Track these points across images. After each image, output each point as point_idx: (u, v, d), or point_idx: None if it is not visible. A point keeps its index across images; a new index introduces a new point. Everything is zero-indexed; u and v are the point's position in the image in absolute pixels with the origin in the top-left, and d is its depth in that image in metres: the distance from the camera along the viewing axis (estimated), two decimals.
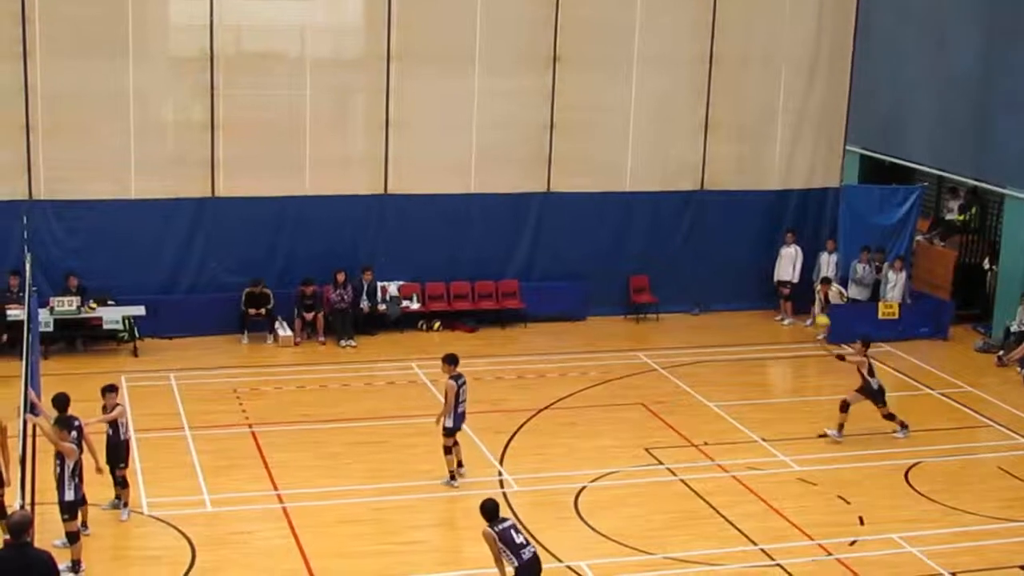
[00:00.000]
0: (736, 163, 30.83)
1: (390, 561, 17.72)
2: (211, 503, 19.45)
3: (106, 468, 18.16)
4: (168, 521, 18.59)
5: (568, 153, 29.48)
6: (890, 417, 22.89)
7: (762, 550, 18.41)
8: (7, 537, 13.32)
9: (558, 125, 29.29)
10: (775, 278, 30.73)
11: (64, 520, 16.85)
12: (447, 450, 20.20)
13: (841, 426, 22.69)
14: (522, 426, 22.99)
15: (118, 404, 18.49)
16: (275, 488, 20.01)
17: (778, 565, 17.96)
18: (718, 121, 30.32)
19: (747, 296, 30.92)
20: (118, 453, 18.54)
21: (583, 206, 29.74)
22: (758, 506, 19.94)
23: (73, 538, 16.81)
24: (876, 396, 22.79)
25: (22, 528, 13.06)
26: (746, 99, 30.55)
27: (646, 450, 21.99)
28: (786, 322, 30.41)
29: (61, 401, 17.78)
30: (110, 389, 18.55)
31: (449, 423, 20.00)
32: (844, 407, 22.69)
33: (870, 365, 22.77)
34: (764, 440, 22.64)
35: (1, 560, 13.08)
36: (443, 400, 20.22)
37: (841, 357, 23.62)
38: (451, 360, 20.09)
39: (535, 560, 15.38)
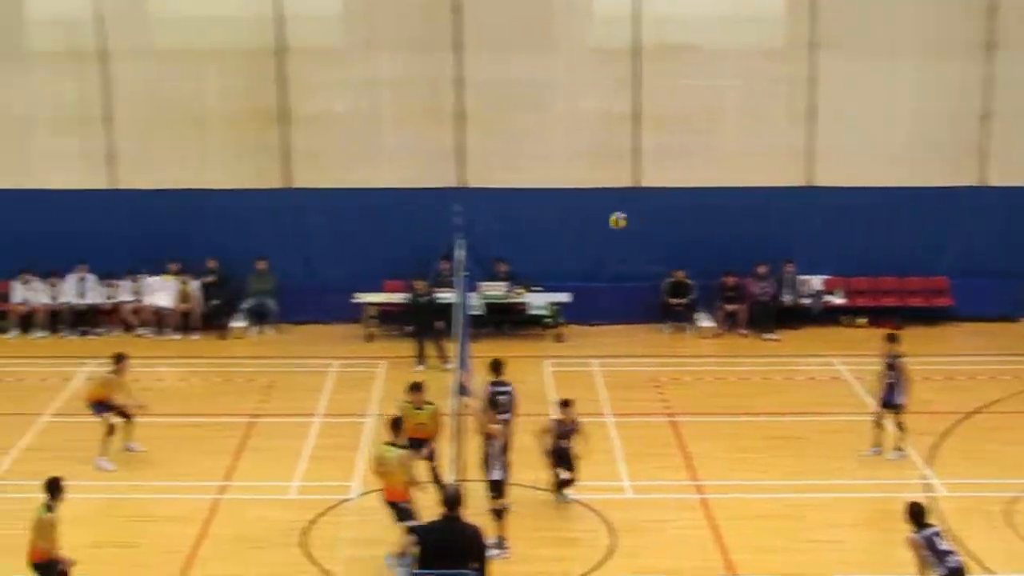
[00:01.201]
0: None
1: (808, 559, 17.39)
2: (630, 489, 19.65)
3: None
4: (588, 505, 18.88)
5: (1007, 144, 28.17)
6: None
7: None
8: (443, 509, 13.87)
9: (998, 113, 28.04)
10: None
11: (491, 497, 17.37)
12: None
13: None
14: (950, 429, 22.16)
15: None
16: (694, 478, 20.02)
17: None
18: None
19: None
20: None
21: (1022, 200, 28.39)
22: None
23: (499, 515, 17.31)
24: None
25: (456, 501, 13.57)
26: None
27: None
28: None
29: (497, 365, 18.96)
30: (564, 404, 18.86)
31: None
32: None
33: None
34: None
35: (434, 530, 13.64)
36: None
37: None
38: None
39: (960, 569, 14.77)
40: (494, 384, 19.23)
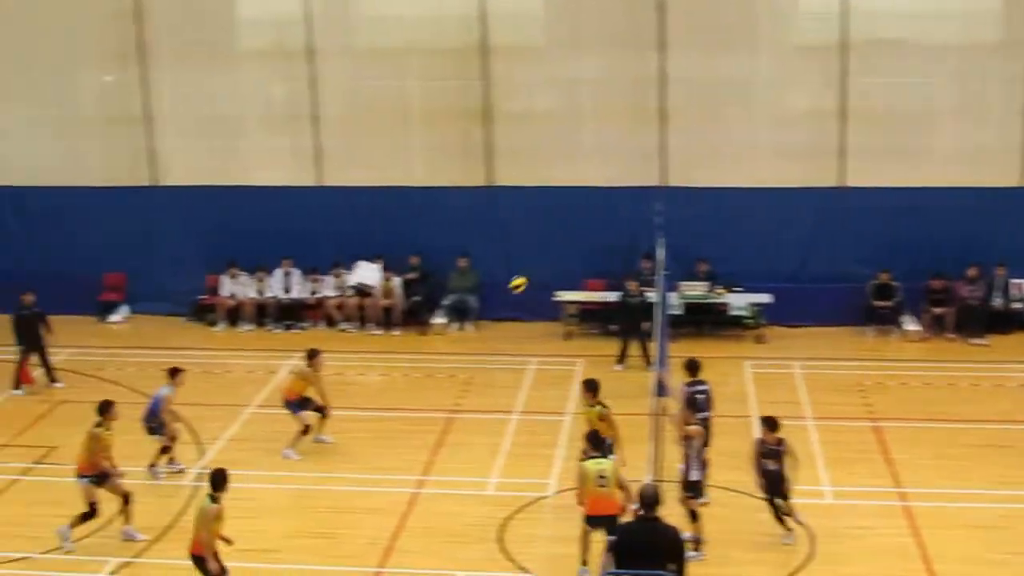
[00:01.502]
0: None
1: (1016, 572, 16.88)
2: (831, 495, 19.29)
3: None
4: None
5: None
6: None
7: None
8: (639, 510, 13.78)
9: None
10: None
11: (687, 498, 17.22)
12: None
13: None
14: None
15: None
16: (897, 485, 19.56)
17: None
18: None
19: None
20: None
21: None
22: None
23: (694, 516, 17.16)
24: None
25: (654, 501, 13.48)
26: None
27: None
28: None
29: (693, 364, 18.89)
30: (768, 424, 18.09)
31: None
32: None
33: None
34: None
35: (631, 531, 13.57)
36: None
37: None
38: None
39: None
40: (691, 384, 19.10)
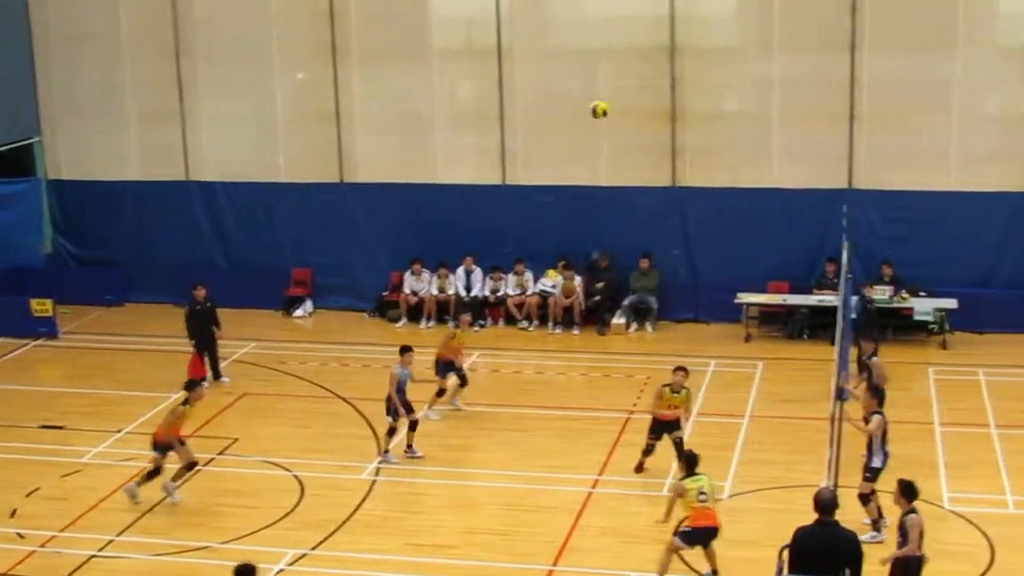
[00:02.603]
0: None
1: None
2: (1014, 504, 18.89)
3: None
4: (969, 518, 18.27)
5: None
6: None
7: None
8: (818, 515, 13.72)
9: None
10: None
11: (865, 479, 17.38)
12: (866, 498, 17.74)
13: None
14: None
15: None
16: None
17: None
18: None
19: None
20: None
21: None
22: None
23: (866, 500, 17.36)
24: None
25: (832, 505, 13.42)
26: None
27: None
28: None
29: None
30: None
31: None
32: None
33: None
34: None
35: (809, 537, 13.48)
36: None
37: None
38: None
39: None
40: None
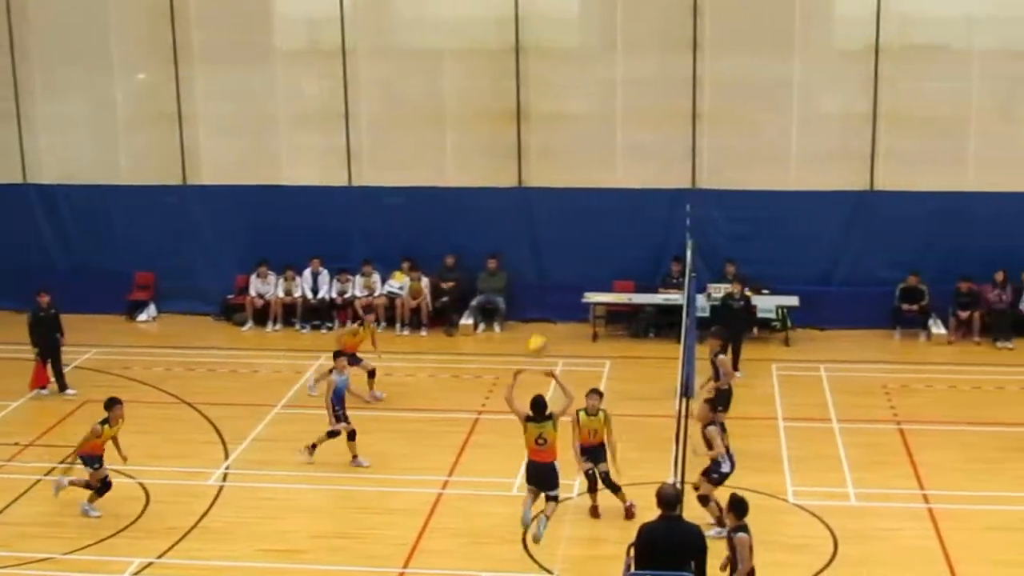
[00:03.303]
0: None
1: None
2: (855, 497, 19.31)
3: None
4: (812, 511, 18.62)
5: None
6: None
7: None
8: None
9: None
10: None
11: (710, 480, 17.58)
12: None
13: None
14: None
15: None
16: (921, 488, 19.55)
17: None
18: None
19: None
20: None
21: None
22: None
23: (705, 502, 17.59)
24: None
25: (674, 501, 13.55)
26: None
27: None
28: None
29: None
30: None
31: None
32: None
33: None
34: None
35: (654, 532, 13.60)
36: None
37: None
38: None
39: None
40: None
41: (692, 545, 13.50)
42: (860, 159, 27.54)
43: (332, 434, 20.33)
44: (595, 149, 28.32)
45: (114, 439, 18.82)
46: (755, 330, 26.33)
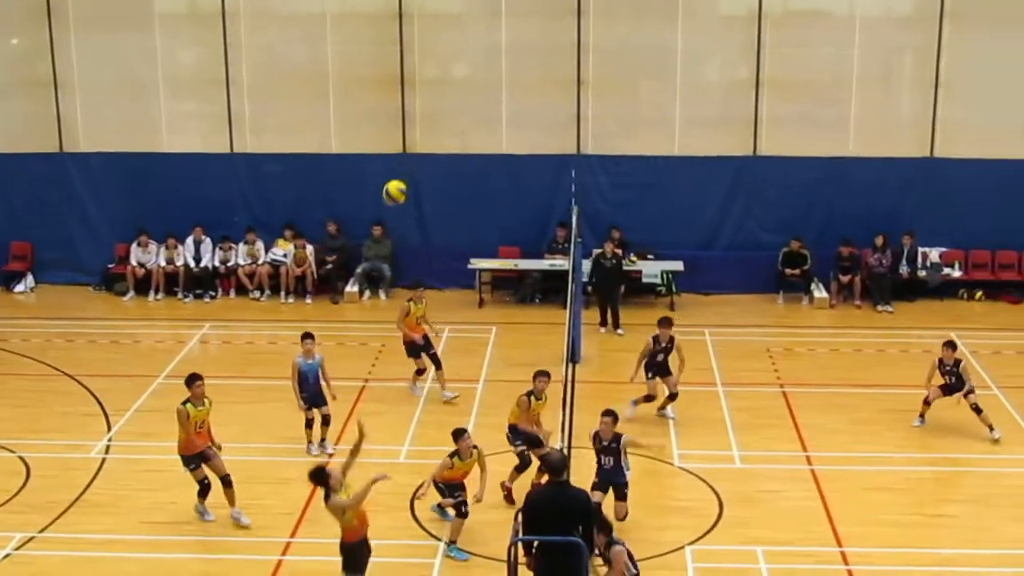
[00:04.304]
0: None
1: (920, 534, 17.18)
2: (740, 459, 19.54)
3: None
4: (697, 474, 18.81)
5: None
6: None
7: None
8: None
9: None
10: None
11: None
12: None
13: None
14: None
15: None
16: (804, 449, 19.85)
17: None
18: None
19: None
20: None
21: None
22: None
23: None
24: None
25: (561, 467, 13.57)
26: None
27: None
28: None
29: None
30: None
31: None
32: None
33: None
34: None
35: (541, 498, 13.63)
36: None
37: None
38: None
39: None
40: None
41: (579, 510, 13.52)
42: (743, 125, 27.78)
43: (324, 420, 19.78)
44: (480, 115, 28.25)
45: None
46: (622, 288, 26.36)
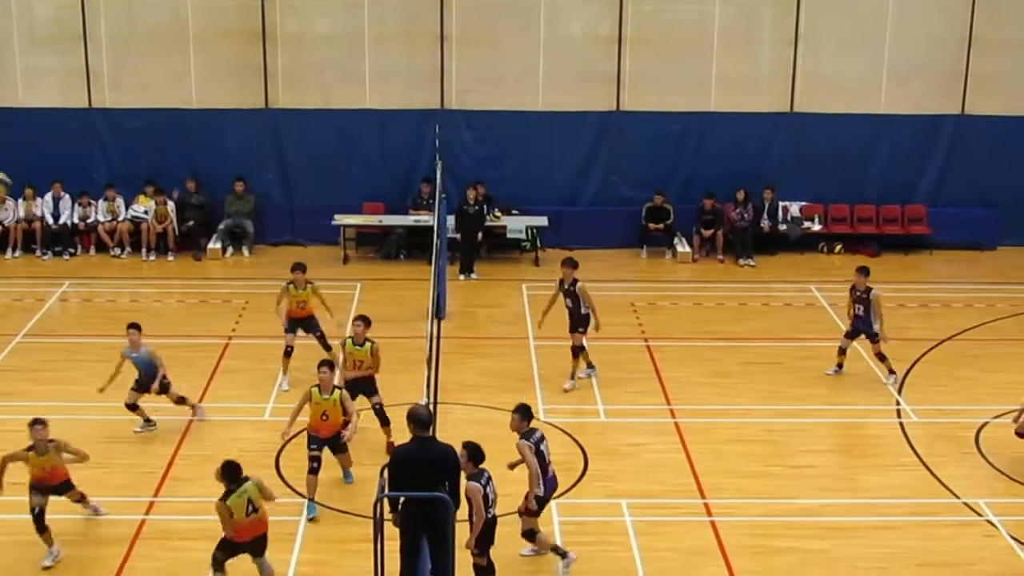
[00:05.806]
0: None
1: (779, 484, 17.51)
2: (604, 413, 19.72)
3: None
4: (563, 428, 18.94)
5: (989, 72, 28.08)
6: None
7: None
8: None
9: (978, 40, 27.91)
10: None
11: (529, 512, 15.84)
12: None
13: None
14: (923, 356, 22.22)
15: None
16: (668, 403, 20.08)
17: None
18: None
19: None
20: None
21: (1002, 129, 28.27)
22: None
23: (531, 536, 15.82)
24: None
25: (427, 422, 13.55)
26: None
27: None
28: None
29: None
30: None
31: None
32: None
33: None
34: None
35: (407, 453, 13.59)
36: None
37: None
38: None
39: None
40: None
41: (445, 464, 13.50)
42: (606, 80, 27.90)
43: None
44: (343, 70, 28.01)
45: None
46: (480, 235, 26.50)
